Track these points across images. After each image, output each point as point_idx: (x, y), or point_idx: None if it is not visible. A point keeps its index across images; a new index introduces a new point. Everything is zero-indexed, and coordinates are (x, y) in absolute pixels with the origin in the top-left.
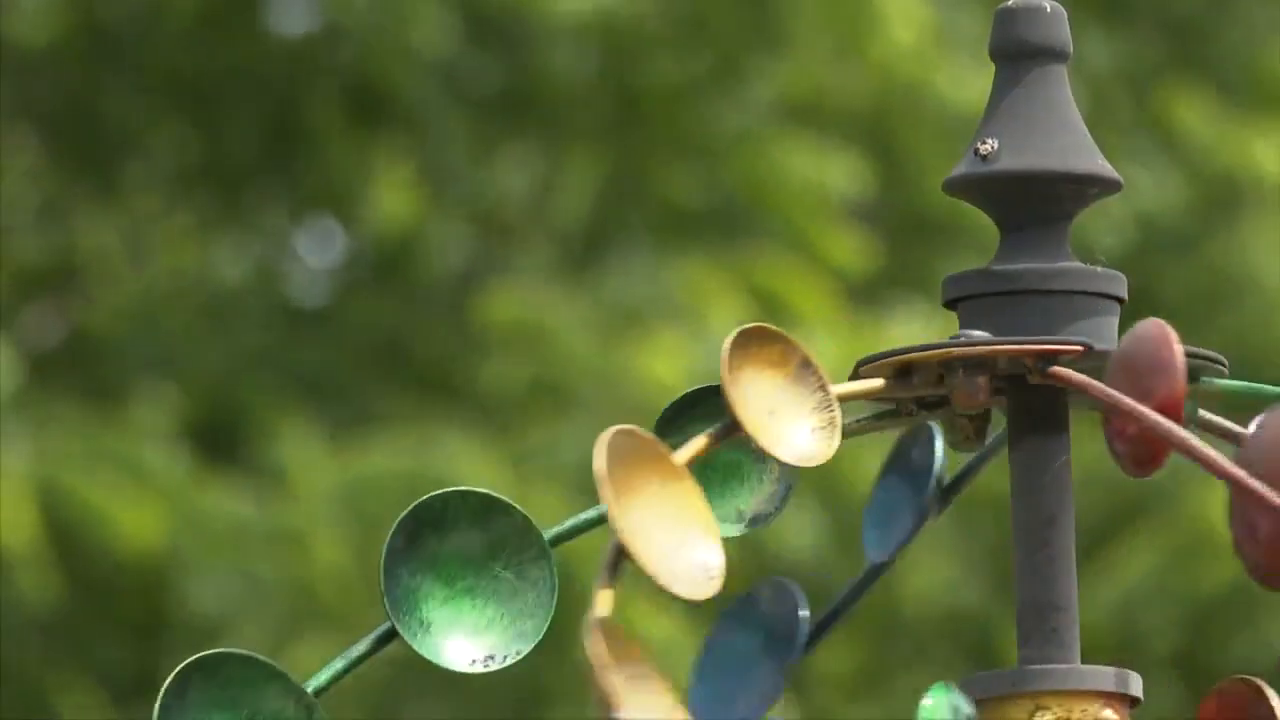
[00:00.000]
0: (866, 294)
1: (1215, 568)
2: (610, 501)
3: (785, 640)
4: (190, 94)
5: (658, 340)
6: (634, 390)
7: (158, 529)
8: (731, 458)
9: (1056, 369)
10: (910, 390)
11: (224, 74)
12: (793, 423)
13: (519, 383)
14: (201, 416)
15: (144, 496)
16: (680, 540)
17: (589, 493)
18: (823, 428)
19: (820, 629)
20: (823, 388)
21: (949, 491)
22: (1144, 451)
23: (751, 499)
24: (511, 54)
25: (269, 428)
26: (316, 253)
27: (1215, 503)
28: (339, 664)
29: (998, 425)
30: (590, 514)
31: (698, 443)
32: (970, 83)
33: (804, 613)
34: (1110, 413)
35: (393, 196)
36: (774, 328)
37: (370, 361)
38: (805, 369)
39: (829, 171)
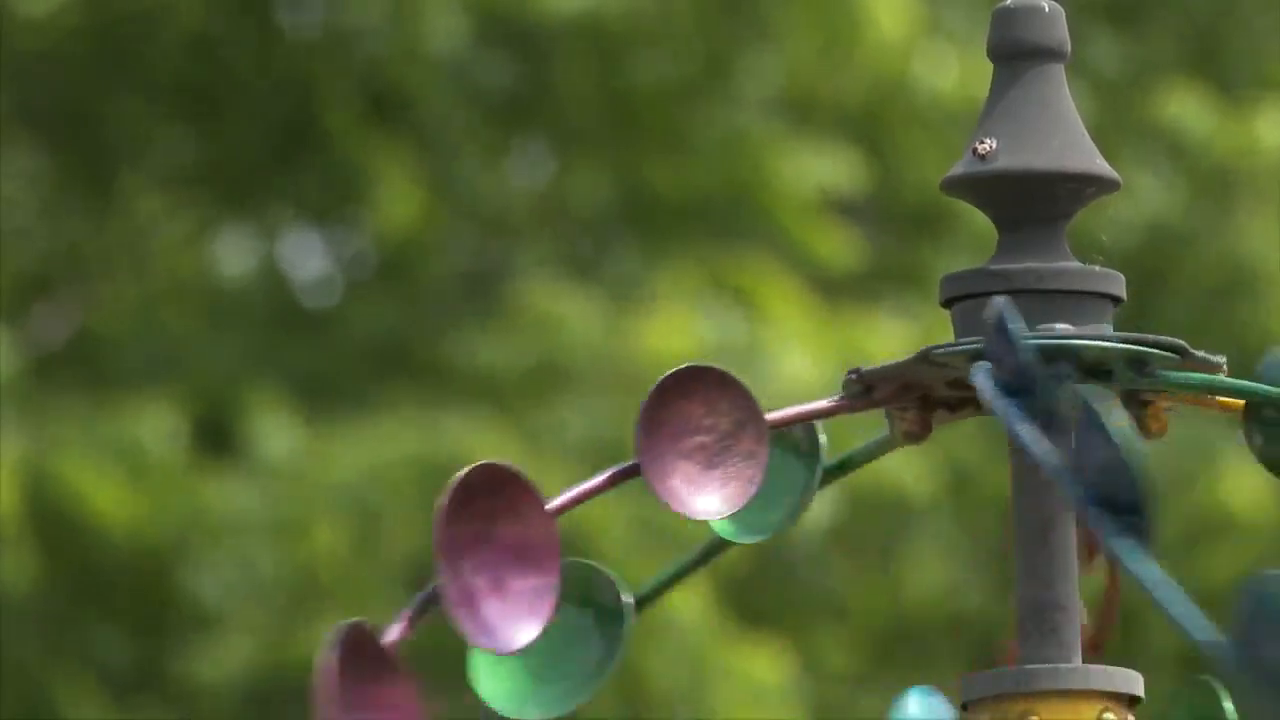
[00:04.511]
0: (857, 291)
1: (1223, 555)
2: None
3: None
4: (196, 94)
5: (657, 322)
6: (634, 368)
7: (158, 520)
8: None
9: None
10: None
11: (231, 74)
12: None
13: (523, 368)
14: (204, 413)
15: (144, 487)
16: None
17: (596, 466)
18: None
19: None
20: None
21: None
22: None
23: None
24: (520, 54)
25: (271, 419)
26: (322, 252)
27: (1225, 490)
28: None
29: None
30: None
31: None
32: (957, 75)
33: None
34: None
35: (399, 197)
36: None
37: (375, 362)
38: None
39: (822, 168)
